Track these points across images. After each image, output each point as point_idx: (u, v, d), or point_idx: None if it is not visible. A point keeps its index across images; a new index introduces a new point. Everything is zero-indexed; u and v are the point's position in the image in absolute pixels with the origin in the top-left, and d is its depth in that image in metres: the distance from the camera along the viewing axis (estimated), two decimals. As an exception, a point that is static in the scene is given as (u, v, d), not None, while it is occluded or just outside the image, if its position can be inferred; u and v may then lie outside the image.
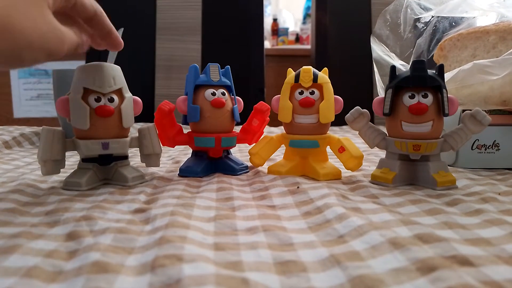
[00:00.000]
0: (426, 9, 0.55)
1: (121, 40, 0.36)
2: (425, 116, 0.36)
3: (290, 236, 0.25)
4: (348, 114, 0.41)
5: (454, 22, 0.55)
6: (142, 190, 0.37)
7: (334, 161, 0.44)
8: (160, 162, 0.44)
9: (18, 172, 0.47)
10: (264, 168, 0.46)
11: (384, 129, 0.41)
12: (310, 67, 0.42)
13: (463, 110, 0.41)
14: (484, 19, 0.53)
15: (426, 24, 0.57)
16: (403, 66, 0.55)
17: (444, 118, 0.38)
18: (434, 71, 0.37)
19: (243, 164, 0.46)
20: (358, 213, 0.29)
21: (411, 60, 0.42)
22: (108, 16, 0.34)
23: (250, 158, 0.46)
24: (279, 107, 0.43)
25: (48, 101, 1.39)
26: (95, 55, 0.41)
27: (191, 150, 0.46)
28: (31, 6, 0.25)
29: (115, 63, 0.39)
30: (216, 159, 0.45)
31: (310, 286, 0.19)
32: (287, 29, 1.71)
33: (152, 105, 1.00)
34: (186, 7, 1.03)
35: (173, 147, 0.45)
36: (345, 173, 0.44)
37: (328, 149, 0.44)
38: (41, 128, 0.42)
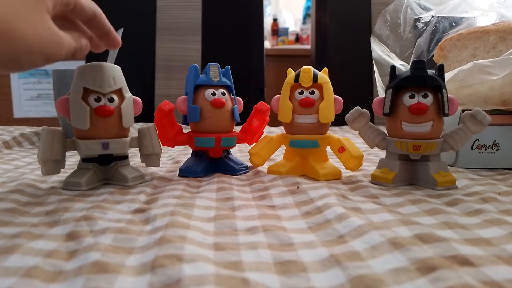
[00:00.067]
0: (426, 9, 0.55)
1: (120, 39, 0.36)
2: (425, 116, 0.36)
3: (290, 236, 0.25)
4: (348, 114, 0.41)
5: (454, 22, 0.55)
6: (142, 190, 0.37)
7: (334, 161, 0.44)
8: (160, 162, 0.44)
9: (18, 172, 0.47)
10: (264, 168, 0.46)
11: (384, 129, 0.41)
12: (310, 67, 0.42)
13: (463, 110, 0.41)
14: (484, 19, 0.53)
15: (426, 24, 0.56)
16: (403, 66, 0.55)
17: (444, 118, 0.38)
18: (434, 71, 0.37)
19: (243, 164, 0.46)
20: (358, 213, 0.29)
21: (411, 60, 0.42)
22: (108, 16, 0.34)
23: (250, 158, 0.46)
24: (279, 107, 0.43)
25: (48, 101, 1.39)
26: (95, 55, 0.41)
27: (191, 150, 0.46)
28: (32, 12, 0.26)
29: (115, 63, 0.39)
30: (216, 159, 0.45)
31: (310, 286, 0.19)
32: (287, 29, 1.71)
33: (152, 105, 1.00)
34: (186, 7, 1.03)
35: (173, 147, 0.45)
36: (345, 173, 0.44)
37: (328, 149, 0.44)
38: (41, 128, 0.42)
